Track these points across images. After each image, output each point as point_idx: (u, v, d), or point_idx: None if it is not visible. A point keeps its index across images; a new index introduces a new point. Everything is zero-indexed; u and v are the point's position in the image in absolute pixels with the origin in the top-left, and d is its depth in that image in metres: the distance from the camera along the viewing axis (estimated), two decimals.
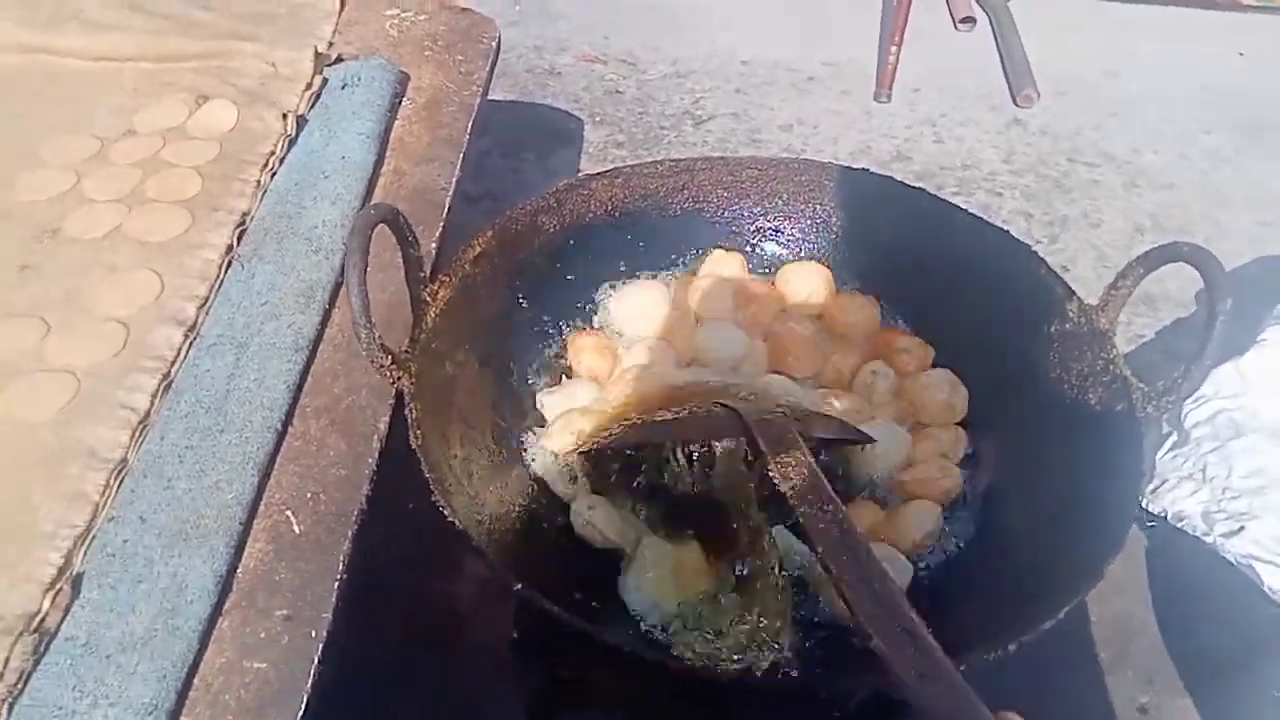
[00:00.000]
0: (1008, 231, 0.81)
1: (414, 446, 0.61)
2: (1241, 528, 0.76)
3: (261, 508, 0.62)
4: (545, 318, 0.83)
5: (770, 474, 0.61)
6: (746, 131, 1.44)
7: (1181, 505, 0.81)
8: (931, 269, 0.82)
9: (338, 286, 0.75)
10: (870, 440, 0.74)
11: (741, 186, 0.88)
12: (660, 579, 0.66)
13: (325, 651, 0.55)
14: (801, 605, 0.66)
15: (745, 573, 0.66)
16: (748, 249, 0.89)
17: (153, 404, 0.65)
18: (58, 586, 0.55)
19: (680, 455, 0.70)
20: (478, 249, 0.75)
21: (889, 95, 1.51)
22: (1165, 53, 1.63)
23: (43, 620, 0.53)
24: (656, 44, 1.60)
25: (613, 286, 0.86)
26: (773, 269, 0.88)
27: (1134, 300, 0.72)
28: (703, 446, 0.69)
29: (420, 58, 1.00)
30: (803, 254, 0.89)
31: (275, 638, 0.55)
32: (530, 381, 0.81)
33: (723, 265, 0.86)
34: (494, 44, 1.03)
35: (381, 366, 0.63)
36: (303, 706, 0.52)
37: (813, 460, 0.62)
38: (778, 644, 0.62)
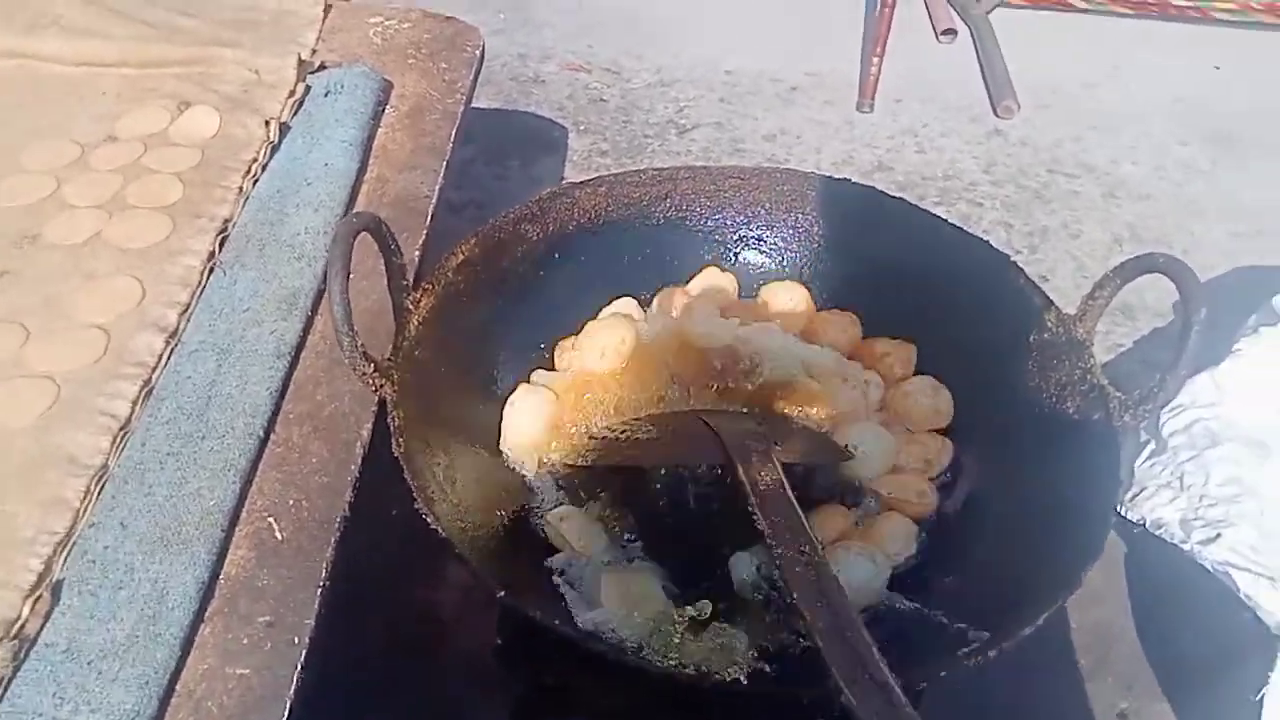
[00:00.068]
0: (988, 242, 0.81)
1: (396, 454, 0.61)
2: (1218, 535, 0.77)
3: (243, 514, 0.61)
4: (528, 325, 0.83)
5: (750, 510, 0.62)
6: (730, 141, 1.45)
7: (1159, 513, 0.81)
8: (912, 279, 0.82)
9: (320, 293, 0.75)
10: (849, 457, 0.74)
11: (724, 196, 0.88)
12: (612, 604, 0.66)
13: (308, 658, 0.55)
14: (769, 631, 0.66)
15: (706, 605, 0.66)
16: (731, 258, 0.89)
17: (134, 410, 0.65)
18: (37, 593, 0.54)
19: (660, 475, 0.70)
20: (461, 257, 0.75)
21: (871, 106, 1.52)
22: (1143, 66, 1.64)
23: (22, 627, 0.53)
24: (640, 53, 1.61)
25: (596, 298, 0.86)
26: (755, 279, 0.88)
27: (1112, 310, 0.73)
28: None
29: (404, 65, 1.00)
30: (785, 263, 0.89)
31: (258, 644, 0.55)
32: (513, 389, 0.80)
33: (714, 281, 0.86)
34: (478, 52, 1.03)
35: (364, 374, 0.63)
36: (286, 713, 0.52)
37: (792, 497, 0.63)
38: (738, 663, 0.62)
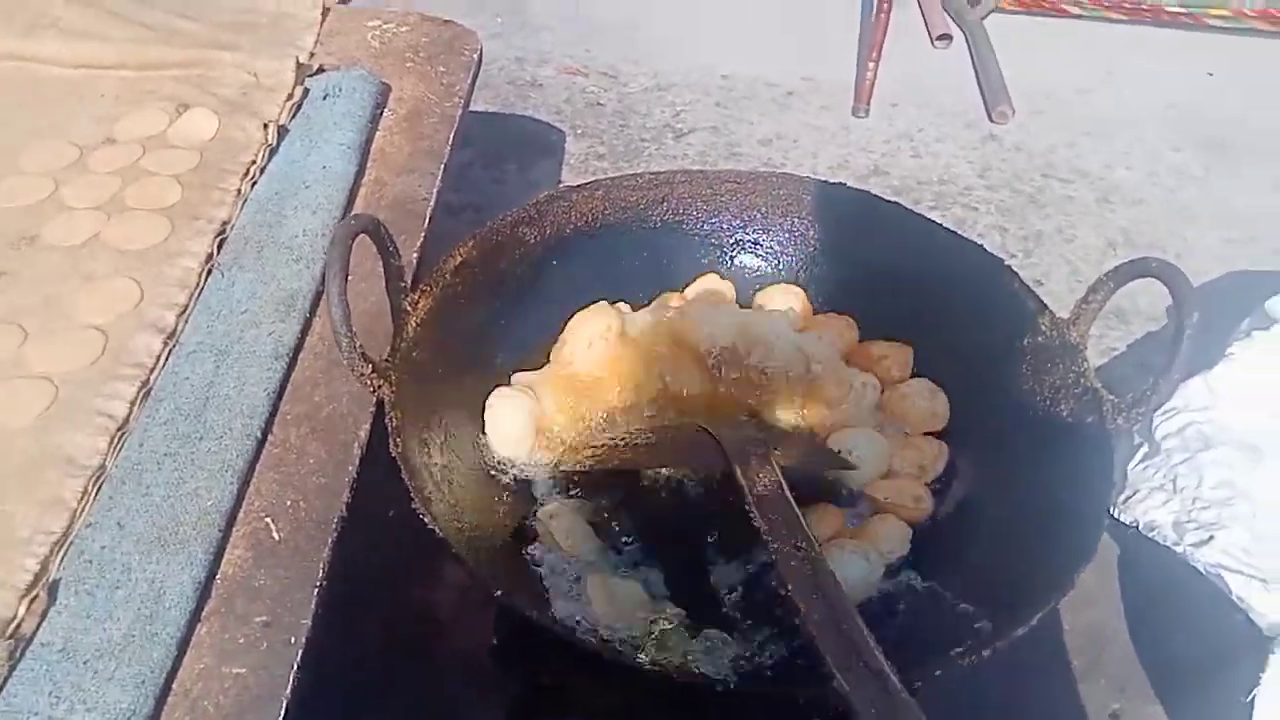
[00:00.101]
0: (983, 246, 0.82)
1: (394, 454, 0.61)
2: (1211, 537, 0.77)
3: (241, 515, 0.62)
4: (526, 327, 0.83)
5: (747, 509, 0.62)
6: (726, 145, 1.45)
7: (1152, 515, 0.82)
8: (908, 283, 0.83)
9: (318, 295, 0.75)
10: (850, 467, 0.74)
11: (721, 200, 0.89)
12: (598, 605, 0.66)
13: (304, 658, 0.55)
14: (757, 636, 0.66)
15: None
16: (727, 261, 0.90)
17: (131, 411, 0.65)
18: (34, 593, 0.54)
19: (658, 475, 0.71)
20: (459, 259, 0.76)
21: (867, 110, 1.53)
22: (1137, 72, 1.65)
23: (19, 626, 0.53)
24: (637, 57, 1.61)
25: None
26: (751, 283, 0.89)
27: (1105, 314, 0.73)
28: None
29: (402, 69, 1.00)
30: (781, 267, 0.89)
31: (254, 644, 0.55)
32: None
33: (713, 289, 0.87)
34: (476, 56, 1.03)
35: (362, 375, 0.63)
36: (282, 712, 0.52)
37: (786, 488, 0.63)
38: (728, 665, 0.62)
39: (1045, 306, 0.75)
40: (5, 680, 0.52)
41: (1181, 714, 0.78)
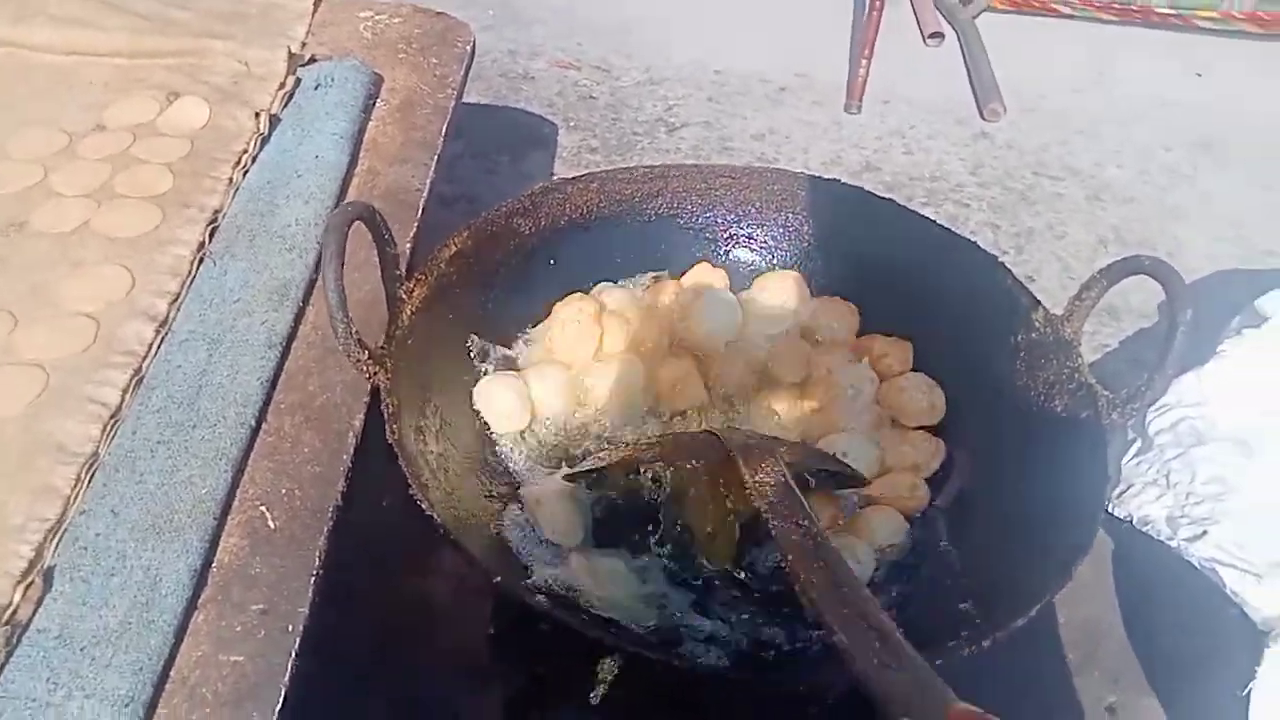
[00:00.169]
0: (975, 242, 0.82)
1: (390, 441, 0.61)
2: (1204, 532, 0.78)
3: (236, 503, 0.61)
4: (520, 317, 0.83)
5: (746, 490, 0.62)
6: (719, 140, 1.45)
7: (1146, 510, 0.82)
8: (901, 279, 0.83)
9: (311, 284, 0.75)
10: (866, 482, 0.74)
11: (715, 194, 0.89)
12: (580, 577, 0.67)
13: (302, 645, 0.54)
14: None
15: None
16: (721, 255, 0.90)
17: (123, 399, 0.64)
18: (29, 579, 0.54)
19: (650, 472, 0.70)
20: (454, 248, 0.76)
21: (859, 107, 1.53)
22: (1127, 71, 1.66)
23: (14, 612, 0.53)
24: (629, 51, 1.61)
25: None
26: (746, 277, 0.89)
27: (1098, 311, 0.74)
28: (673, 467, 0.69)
29: (394, 60, 0.99)
30: (775, 262, 0.89)
31: (251, 631, 0.55)
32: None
33: (706, 278, 0.87)
34: (468, 47, 1.03)
35: (358, 361, 0.63)
36: (280, 700, 0.52)
37: (789, 477, 0.63)
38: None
39: (1039, 302, 0.76)
40: (3, 667, 0.51)
41: (1176, 707, 0.79)
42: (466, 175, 1.30)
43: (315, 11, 1.02)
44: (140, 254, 0.74)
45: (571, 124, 1.44)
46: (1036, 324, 0.75)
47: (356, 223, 0.63)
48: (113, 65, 0.91)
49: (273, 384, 0.68)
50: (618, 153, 1.40)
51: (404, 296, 0.69)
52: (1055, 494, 0.67)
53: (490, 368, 0.79)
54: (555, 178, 1.23)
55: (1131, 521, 0.83)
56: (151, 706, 0.51)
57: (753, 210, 0.89)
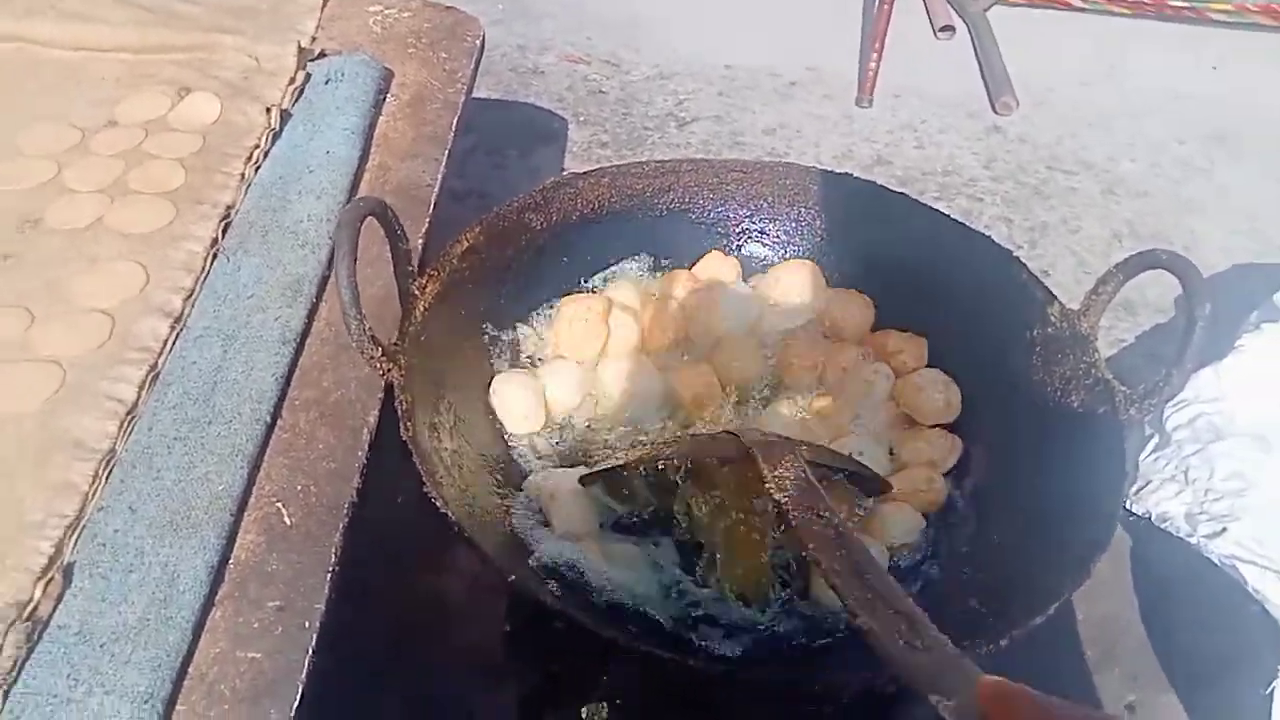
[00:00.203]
0: (990, 237, 0.82)
1: (404, 438, 0.61)
2: (1224, 529, 0.77)
3: (252, 500, 0.61)
4: (532, 312, 0.83)
5: (766, 486, 0.62)
6: (729, 134, 1.45)
7: (1165, 506, 0.82)
8: (915, 273, 0.83)
9: (324, 280, 0.75)
10: (886, 485, 0.73)
11: (727, 188, 0.89)
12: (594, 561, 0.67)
13: (319, 642, 0.54)
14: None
15: None
16: (733, 250, 0.89)
17: (139, 395, 0.64)
18: (49, 575, 0.54)
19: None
20: (466, 244, 0.75)
21: (870, 101, 1.52)
22: (1140, 64, 1.65)
23: (35, 609, 0.53)
24: (639, 46, 1.61)
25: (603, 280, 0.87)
26: (758, 271, 0.88)
27: (1114, 305, 0.73)
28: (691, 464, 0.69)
29: (404, 54, 0.99)
30: (788, 256, 0.89)
31: (268, 628, 0.55)
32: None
33: (718, 266, 0.87)
34: (478, 42, 1.03)
35: (372, 358, 0.63)
36: (298, 696, 0.52)
37: (808, 471, 0.63)
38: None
39: (1054, 297, 0.75)
40: (23, 663, 0.51)
41: (1196, 705, 0.78)
42: (477, 170, 1.30)
43: (325, 6, 1.02)
44: (154, 250, 0.74)
45: (582, 119, 1.44)
46: (1052, 319, 0.74)
47: (369, 218, 0.63)
48: (121, 60, 0.91)
49: (287, 380, 0.68)
50: (628, 147, 1.40)
51: (417, 292, 0.69)
52: (1072, 491, 0.66)
53: (504, 363, 0.79)
54: (566, 172, 1.23)
55: (1150, 518, 0.82)
56: (170, 703, 0.51)
57: (764, 205, 0.89)
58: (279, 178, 0.82)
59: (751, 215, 0.89)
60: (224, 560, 0.57)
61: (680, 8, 1.70)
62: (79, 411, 0.62)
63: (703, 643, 0.63)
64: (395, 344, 0.66)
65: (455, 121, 0.93)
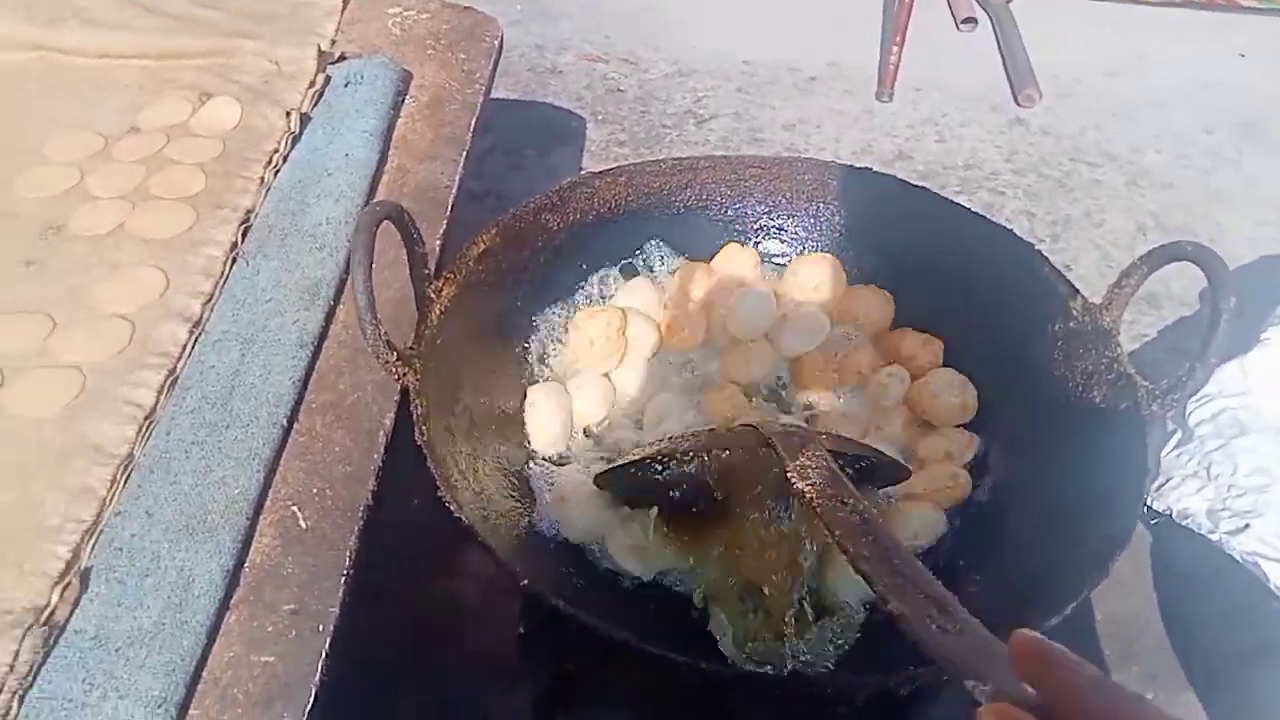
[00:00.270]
0: (1011, 230, 0.81)
1: (419, 442, 0.61)
2: (1247, 525, 0.76)
3: (268, 503, 0.62)
4: (550, 314, 0.83)
5: (789, 476, 0.61)
6: (748, 131, 1.44)
7: (1187, 503, 0.81)
8: (935, 268, 0.82)
9: (342, 283, 0.75)
10: (906, 473, 0.73)
11: (745, 185, 0.88)
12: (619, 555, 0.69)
13: (333, 645, 0.55)
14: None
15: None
16: (753, 247, 0.89)
17: (158, 400, 0.65)
18: (66, 580, 0.55)
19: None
20: (482, 246, 0.75)
21: (891, 95, 1.51)
22: (1166, 53, 1.63)
23: (52, 614, 0.53)
24: (657, 43, 1.60)
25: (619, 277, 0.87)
26: (777, 267, 0.88)
27: (1137, 299, 0.72)
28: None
29: (423, 56, 1.00)
30: (807, 252, 0.89)
31: (283, 632, 0.55)
32: (536, 379, 0.81)
33: (736, 259, 0.86)
34: (496, 42, 1.03)
35: (387, 362, 0.63)
36: (311, 700, 0.52)
37: (830, 460, 0.62)
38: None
39: (1077, 291, 0.74)
40: (40, 667, 0.52)
41: (1216, 704, 0.77)
42: (495, 171, 1.31)
43: (344, 9, 1.02)
44: (174, 255, 0.75)
45: (600, 117, 1.44)
46: (1075, 313, 0.73)
47: (385, 221, 0.64)
48: (143, 67, 0.92)
49: (304, 383, 0.69)
50: (646, 145, 1.39)
51: (433, 296, 0.69)
52: (1093, 487, 0.65)
53: (521, 366, 0.79)
54: (583, 172, 1.23)
55: (1171, 515, 0.81)
56: (184, 707, 0.52)
57: (783, 201, 0.89)
58: (298, 181, 0.82)
59: (770, 211, 0.89)
60: (239, 564, 0.58)
61: (699, 4, 1.70)
62: (98, 417, 0.63)
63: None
64: (411, 348, 0.66)
65: (473, 122, 0.93)
